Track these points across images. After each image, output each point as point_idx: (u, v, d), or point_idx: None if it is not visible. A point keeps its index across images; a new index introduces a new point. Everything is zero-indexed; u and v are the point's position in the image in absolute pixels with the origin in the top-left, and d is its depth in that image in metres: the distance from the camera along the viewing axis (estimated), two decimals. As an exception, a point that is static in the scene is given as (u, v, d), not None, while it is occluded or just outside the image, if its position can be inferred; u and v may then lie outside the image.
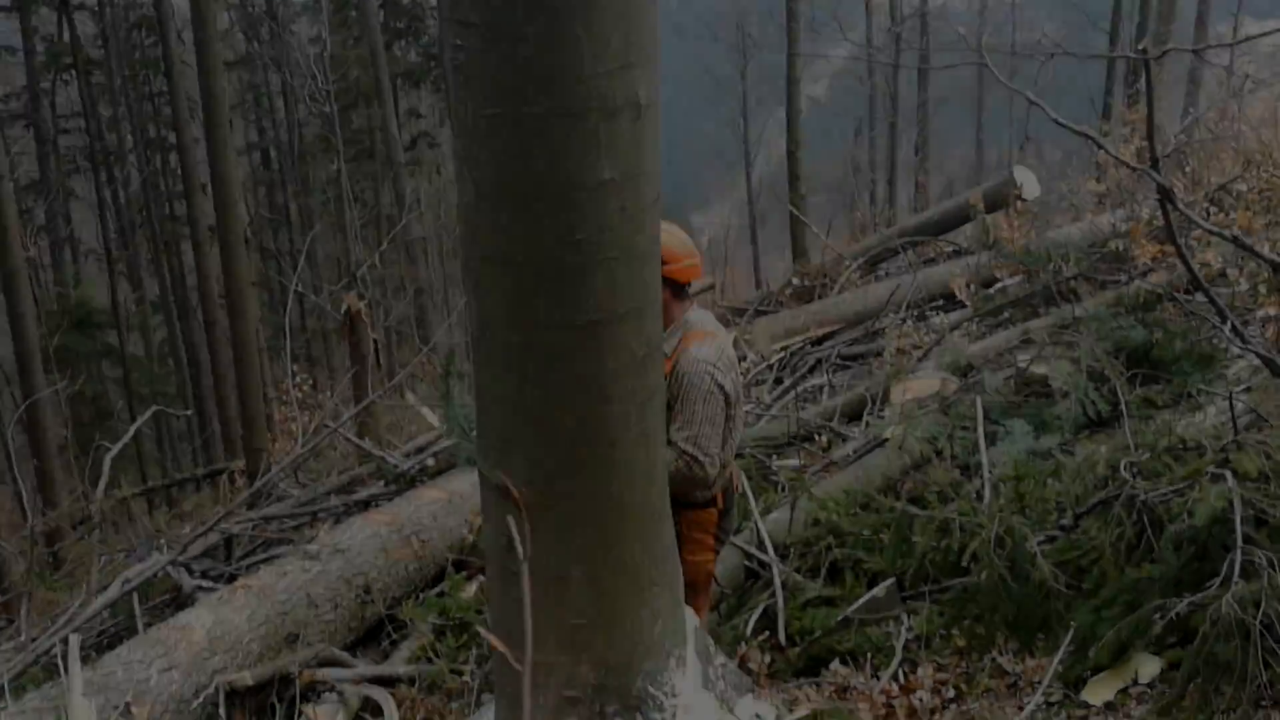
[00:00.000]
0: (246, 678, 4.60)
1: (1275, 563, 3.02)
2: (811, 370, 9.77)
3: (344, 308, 9.30)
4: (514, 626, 2.97)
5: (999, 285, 8.97)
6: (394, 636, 5.59)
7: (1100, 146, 2.82)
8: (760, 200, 32.76)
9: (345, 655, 5.05)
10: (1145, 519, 3.48)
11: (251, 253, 17.42)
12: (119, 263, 21.27)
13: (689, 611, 3.19)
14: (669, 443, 3.36)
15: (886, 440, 5.51)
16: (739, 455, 4.86)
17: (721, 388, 3.43)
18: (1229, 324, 3.87)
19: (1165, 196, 2.57)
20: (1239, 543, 3.08)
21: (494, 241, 2.61)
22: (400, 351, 16.19)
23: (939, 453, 5.29)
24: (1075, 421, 5.26)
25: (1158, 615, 3.10)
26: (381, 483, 7.52)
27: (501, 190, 2.55)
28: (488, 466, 2.86)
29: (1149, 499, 3.48)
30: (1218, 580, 3.03)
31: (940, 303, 9.92)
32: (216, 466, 13.41)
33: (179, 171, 16.42)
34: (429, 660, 4.98)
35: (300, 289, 19.40)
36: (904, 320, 9.45)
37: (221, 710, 4.44)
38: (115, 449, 8.72)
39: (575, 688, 2.88)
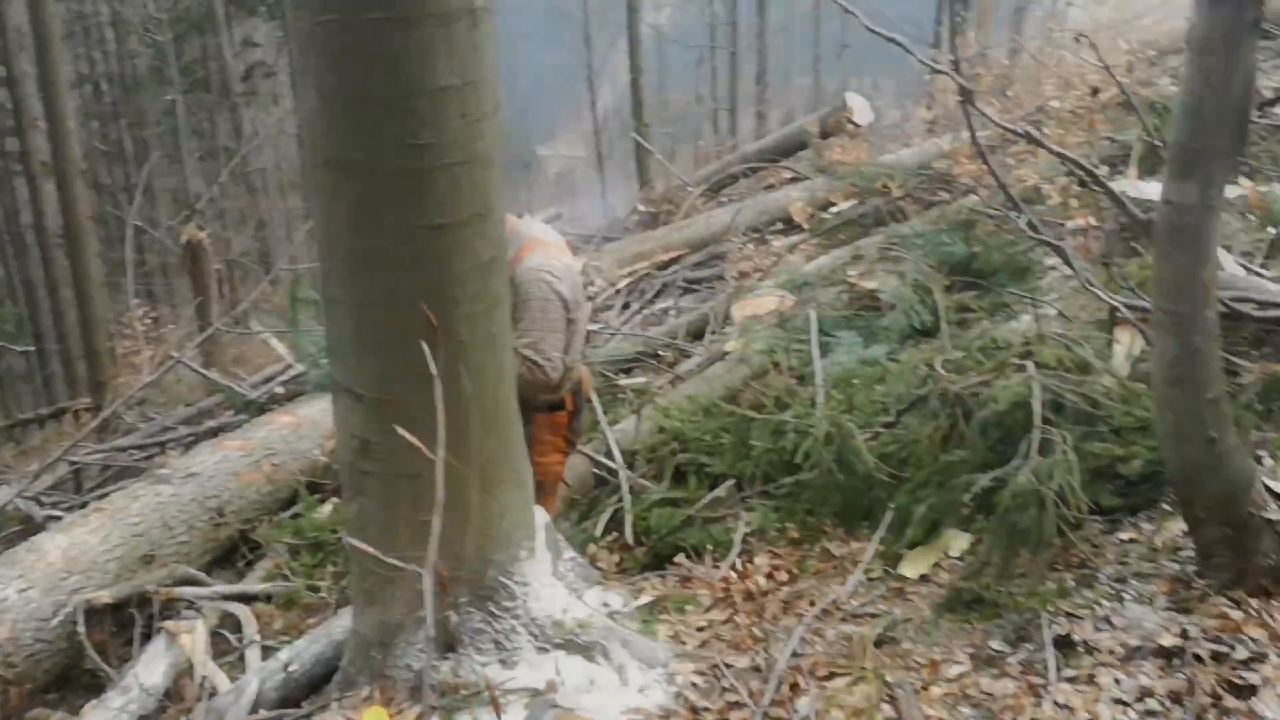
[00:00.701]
0: (104, 596, 4.59)
1: (1068, 439, 3.34)
2: (658, 294, 9.95)
3: (184, 239, 9.04)
4: (370, 527, 3.08)
5: (835, 208, 9.29)
6: (249, 558, 5.60)
7: (907, 51, 3.02)
8: (606, 130, 32.66)
9: (202, 575, 5.07)
10: (958, 411, 3.77)
11: (86, 188, 16.65)
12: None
13: (539, 509, 3.34)
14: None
15: (728, 353, 5.74)
16: (587, 364, 5.01)
17: (559, 294, 3.55)
18: (1025, 219, 4.19)
19: (964, 96, 2.79)
20: (1036, 423, 3.39)
21: (336, 148, 2.67)
22: (245, 285, 15.75)
23: (776, 364, 5.53)
24: (902, 331, 5.56)
25: (966, 493, 3.40)
26: (230, 412, 7.43)
27: (342, 96, 2.61)
28: (340, 373, 2.94)
29: (960, 391, 3.77)
30: (1018, 458, 3.34)
31: (780, 226, 10.20)
32: (61, 405, 12.91)
33: (9, 106, 15.52)
34: (285, 578, 5.03)
35: (138, 224, 18.65)
36: (745, 244, 9.71)
37: (80, 627, 4.43)
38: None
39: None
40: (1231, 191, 5.25)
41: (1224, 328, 3.48)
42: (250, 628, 4.24)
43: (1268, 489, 2.79)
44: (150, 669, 3.95)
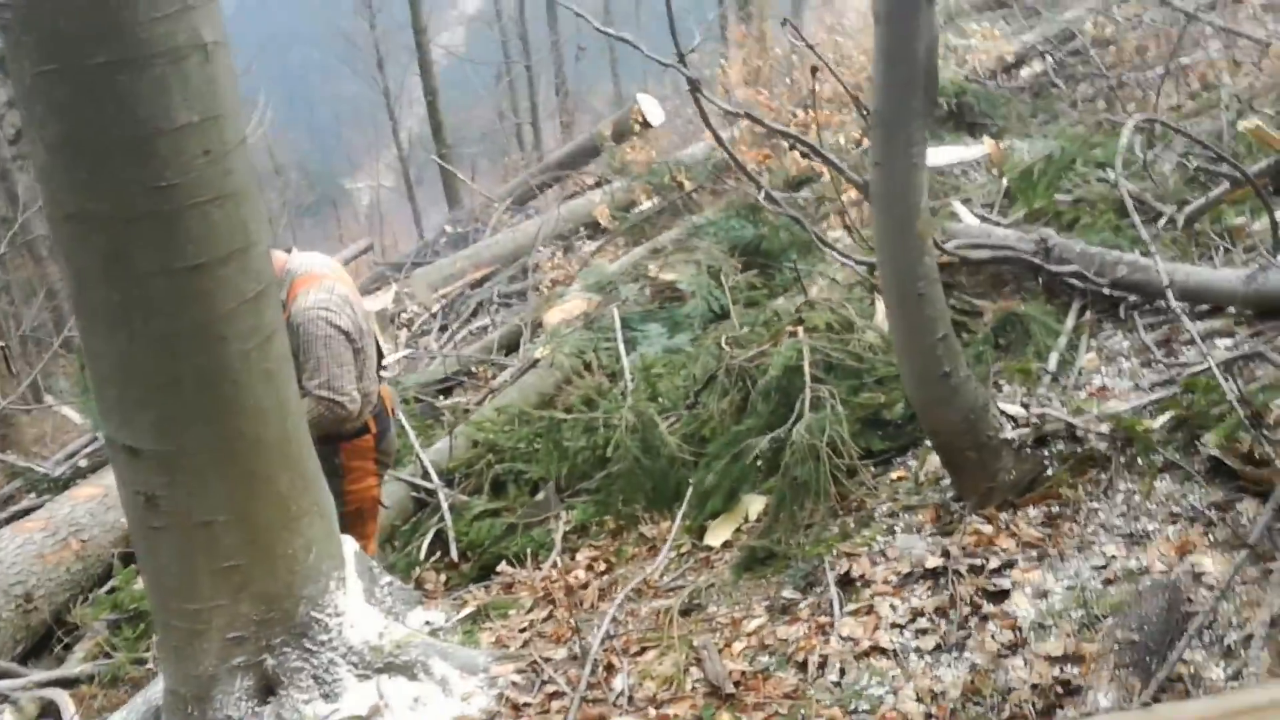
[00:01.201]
0: (-115, 703, 4.30)
1: (836, 394, 3.53)
2: (474, 313, 9.95)
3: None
4: (168, 581, 3.00)
5: (638, 209, 9.45)
6: (66, 640, 5.35)
7: (635, 48, 3.10)
8: (412, 156, 32.31)
9: (14, 666, 4.81)
10: (746, 382, 3.93)
11: None
12: None
13: (347, 538, 3.31)
14: (305, 393, 3.43)
15: (538, 361, 5.79)
16: (393, 384, 4.98)
17: (338, 328, 3.51)
18: (763, 193, 4.41)
19: (692, 87, 2.91)
20: (807, 383, 3.57)
21: (77, 200, 2.59)
22: (41, 358, 14.92)
23: (587, 365, 5.61)
24: (703, 317, 5.72)
25: (754, 458, 3.55)
26: (32, 495, 7.06)
27: (73, 146, 2.53)
28: (113, 429, 2.84)
29: (744, 364, 3.92)
30: (794, 418, 3.51)
31: (588, 233, 10.33)
32: None
33: None
34: (107, 655, 4.83)
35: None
36: (554, 253, 9.79)
37: None
38: None
39: (238, 627, 2.94)
40: (976, 149, 5.62)
41: (964, 272, 3.74)
42: (68, 711, 4.05)
43: (1002, 412, 3.03)
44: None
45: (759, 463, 3.55)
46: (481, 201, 12.97)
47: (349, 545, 3.28)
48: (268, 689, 2.98)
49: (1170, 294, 3.31)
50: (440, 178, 19.22)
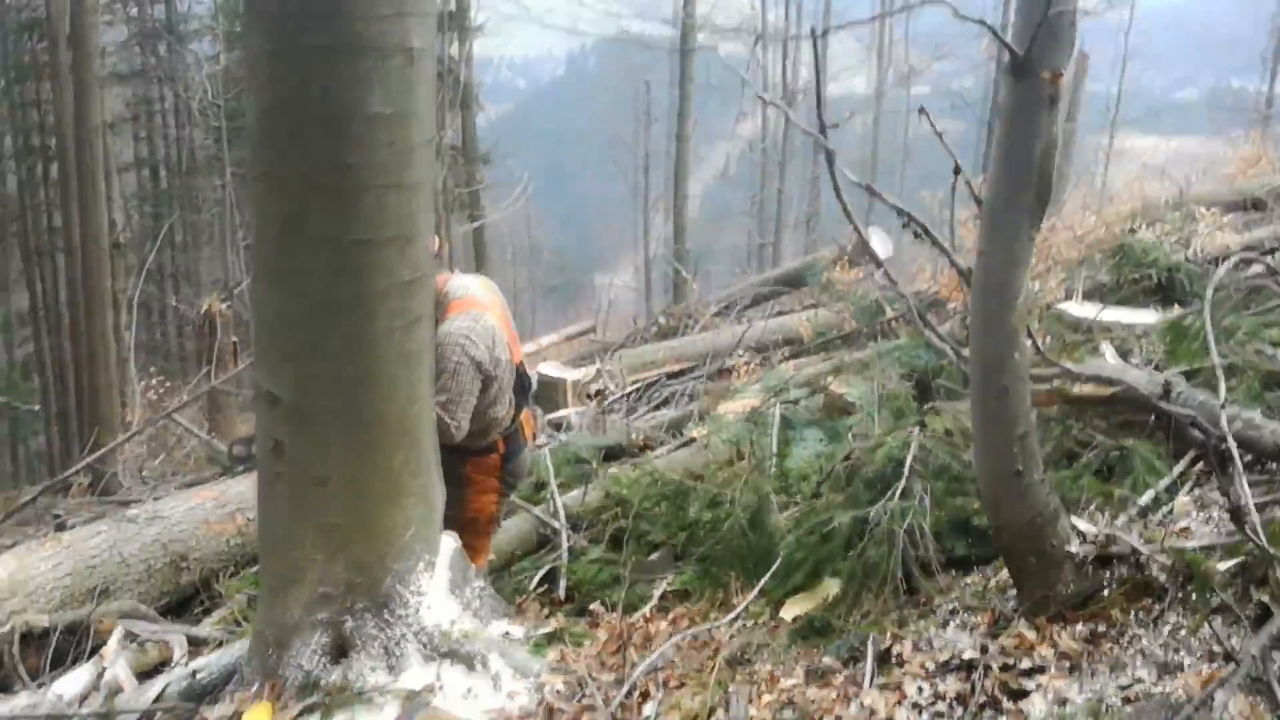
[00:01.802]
0: (44, 620, 4.69)
1: (929, 490, 3.50)
2: (665, 402, 10.18)
3: (203, 308, 9.41)
4: (278, 527, 3.23)
5: (838, 330, 9.49)
6: (206, 605, 5.69)
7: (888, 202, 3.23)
8: (657, 260, 33.38)
9: (151, 612, 5.16)
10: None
11: (130, 272, 17.27)
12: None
13: (450, 534, 3.47)
14: None
15: (693, 440, 5.88)
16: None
17: (471, 359, 3.68)
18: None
19: (828, 160, 3.01)
20: (905, 475, 3.54)
21: (271, 162, 2.91)
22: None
23: (739, 452, 5.65)
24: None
25: (839, 540, 3.52)
26: (221, 473, 7.63)
27: (278, 115, 2.86)
28: (261, 375, 3.12)
29: (860, 455, 3.92)
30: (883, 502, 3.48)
31: (789, 347, 10.44)
32: (66, 474, 13.21)
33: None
34: (237, 625, 5.12)
35: (180, 306, 19.21)
36: (751, 360, 9.93)
37: (14, 649, 4.52)
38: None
39: (329, 584, 3.13)
40: (1148, 316, 5.49)
41: (1098, 414, 3.67)
42: (180, 651, 4.33)
43: (1073, 526, 2.93)
44: (71, 683, 4.02)
45: (844, 545, 3.54)
46: (700, 302, 13.31)
47: (450, 540, 3.44)
48: (341, 649, 3.15)
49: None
50: (673, 278, 19.84)
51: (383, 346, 3.05)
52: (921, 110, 3.09)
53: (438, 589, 3.23)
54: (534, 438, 4.34)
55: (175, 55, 19.85)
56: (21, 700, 3.75)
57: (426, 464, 3.28)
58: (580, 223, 58.80)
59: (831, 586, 3.55)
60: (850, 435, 4.29)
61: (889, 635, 3.03)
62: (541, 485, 5.32)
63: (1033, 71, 2.39)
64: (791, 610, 3.54)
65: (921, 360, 6.31)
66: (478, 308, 3.83)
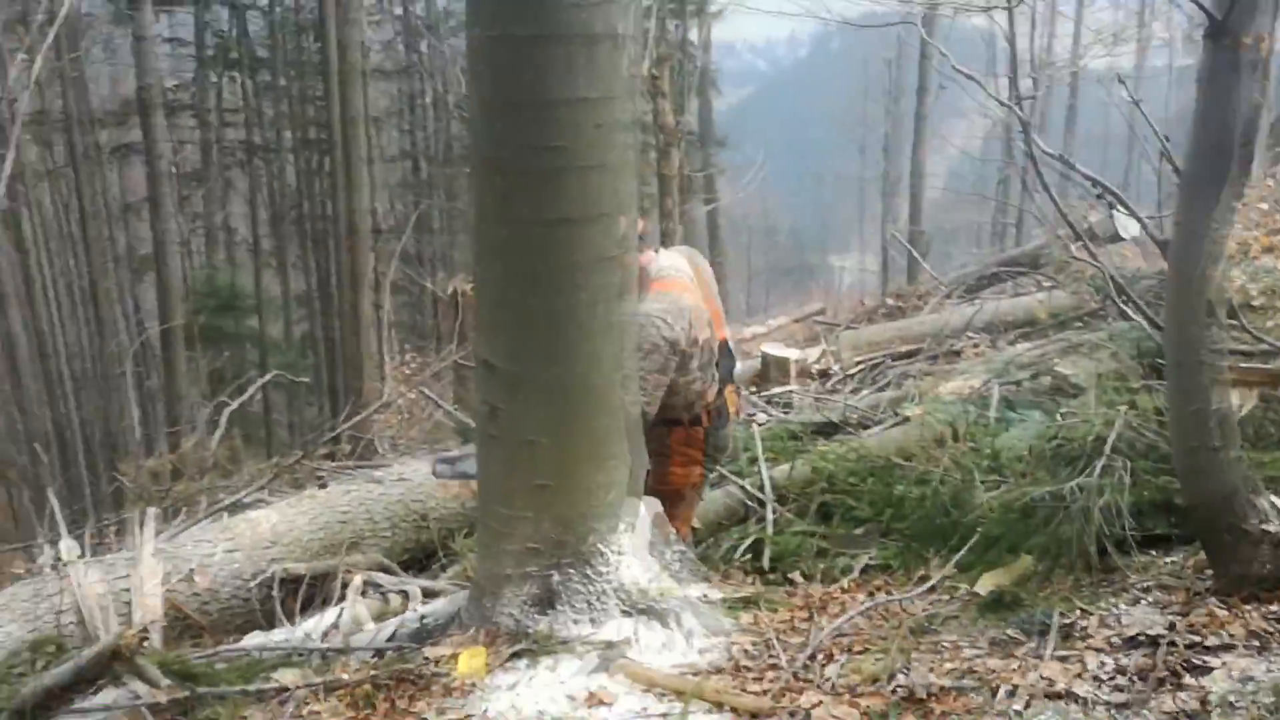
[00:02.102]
0: (301, 568, 5.18)
1: (1130, 468, 3.37)
2: (889, 383, 10.05)
3: (451, 289, 10.01)
4: (493, 487, 3.49)
5: (1074, 311, 9.13)
6: (443, 563, 6.11)
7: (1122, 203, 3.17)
8: (893, 241, 32.72)
9: (394, 565, 5.60)
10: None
11: (392, 256, 18.50)
12: (269, 255, 22.76)
13: (651, 499, 3.64)
14: None
15: (909, 419, 5.85)
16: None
17: (666, 340, 3.79)
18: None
19: (1024, 130, 2.97)
20: (1106, 452, 3.43)
21: (490, 146, 3.15)
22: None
23: (955, 433, 5.59)
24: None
25: (1018, 511, 3.46)
26: (462, 442, 8.12)
27: (497, 101, 3.09)
28: (480, 344, 3.38)
29: (1069, 429, 3.82)
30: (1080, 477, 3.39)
31: (1020, 330, 10.10)
32: (326, 438, 14.32)
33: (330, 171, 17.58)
34: (468, 580, 5.50)
35: (434, 288, 20.37)
36: (978, 342, 9.67)
37: (275, 592, 5.02)
38: (235, 404, 9.62)
39: (537, 540, 3.36)
40: None
41: None
42: (416, 599, 4.71)
43: (1272, 504, 2.78)
44: (318, 622, 4.44)
45: (1042, 522, 3.47)
46: (932, 284, 13.05)
47: (651, 505, 3.62)
48: (548, 600, 3.37)
49: None
50: (907, 259, 19.53)
51: (587, 318, 3.23)
52: (1120, 79, 3.01)
53: (637, 548, 3.41)
54: (738, 413, 4.45)
55: (435, 52, 21.04)
56: (277, 635, 4.19)
57: (630, 431, 3.46)
58: (818, 205, 58.33)
59: (1028, 562, 3.51)
60: (1060, 414, 4.19)
61: (1076, 610, 2.99)
62: (752, 459, 5.43)
63: (1232, 35, 2.31)
64: (985, 584, 3.52)
65: (1152, 342, 6.03)
66: (676, 288, 3.96)
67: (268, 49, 21.19)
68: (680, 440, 4.12)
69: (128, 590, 4.46)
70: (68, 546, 5.21)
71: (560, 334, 3.23)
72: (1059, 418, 4.14)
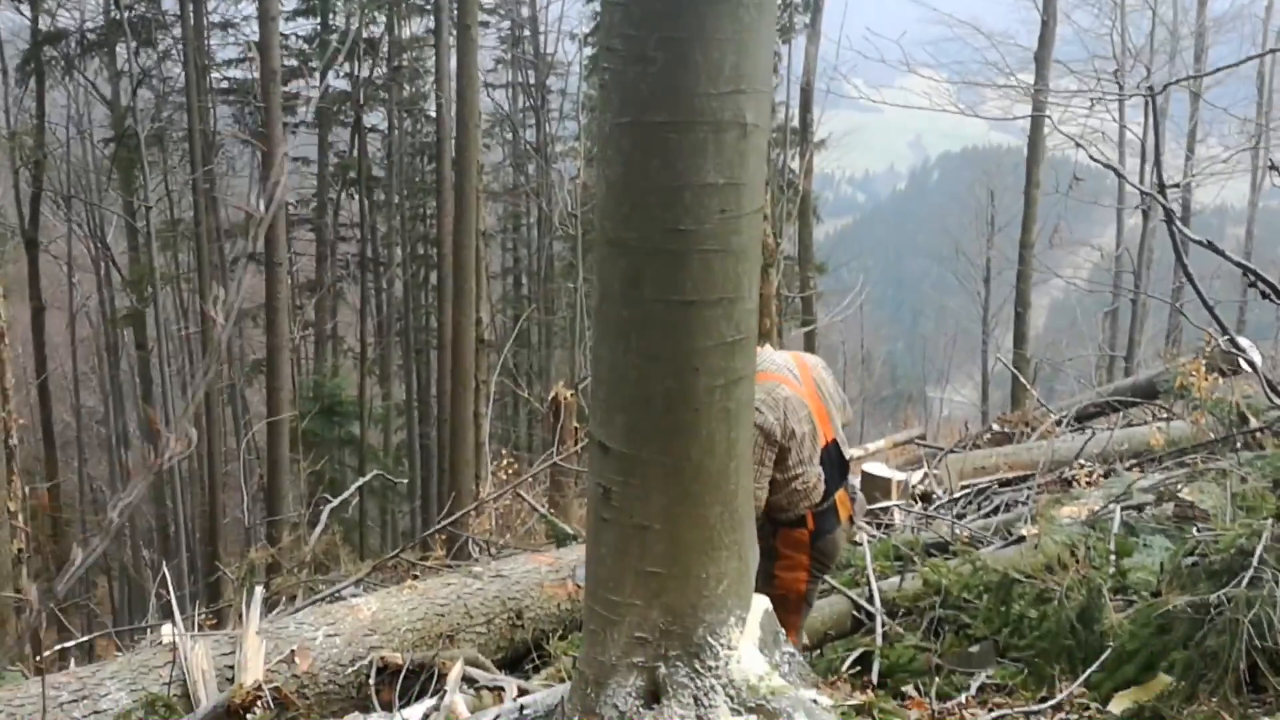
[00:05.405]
0: (399, 658, 5.15)
1: (1278, 579, 3.15)
2: (996, 509, 9.78)
3: (552, 394, 10.09)
4: (602, 571, 3.43)
5: (1193, 440, 8.81)
6: (537, 664, 6.02)
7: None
8: (995, 373, 32.21)
9: (488, 662, 5.53)
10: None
11: (492, 368, 18.83)
12: (373, 363, 23.36)
13: (761, 597, 3.54)
14: None
15: (1024, 538, 5.64)
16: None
17: (760, 428, 3.77)
18: None
19: (1168, 218, 2.88)
20: (1254, 562, 3.21)
21: (615, 228, 3.18)
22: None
23: (1074, 555, 5.37)
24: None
25: (1178, 633, 3.23)
26: (557, 545, 8.08)
27: (624, 185, 3.13)
28: (595, 425, 3.37)
29: (1205, 543, 3.61)
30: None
31: (1136, 459, 9.78)
32: (426, 534, 14.39)
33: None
34: (563, 682, 5.40)
35: (531, 400, 20.62)
36: (1095, 471, 9.38)
37: (371, 679, 4.99)
38: (335, 502, 9.75)
39: (645, 629, 3.28)
40: None
41: None
42: (511, 694, 4.62)
43: None
44: (415, 711, 4.38)
45: (1182, 637, 3.26)
46: (1039, 410, 12.76)
47: (762, 600, 3.51)
48: (654, 694, 3.27)
49: None
50: (1011, 388, 19.18)
51: (704, 402, 3.20)
52: (1272, 166, 2.92)
53: (747, 644, 3.30)
54: (850, 521, 4.35)
55: (542, 173, 21.74)
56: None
57: (741, 519, 3.39)
58: (916, 335, 58.02)
59: (1166, 680, 3.30)
60: (1195, 531, 3.99)
61: (1216, 730, 2.79)
62: (860, 571, 5.28)
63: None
64: (1121, 703, 3.32)
65: (1281, 468, 5.77)
66: (773, 379, 3.95)
67: (384, 169, 22.11)
68: (784, 542, 4.05)
69: (230, 667, 4.46)
70: (172, 628, 5.26)
71: (676, 416, 3.20)
72: (1194, 532, 3.93)
